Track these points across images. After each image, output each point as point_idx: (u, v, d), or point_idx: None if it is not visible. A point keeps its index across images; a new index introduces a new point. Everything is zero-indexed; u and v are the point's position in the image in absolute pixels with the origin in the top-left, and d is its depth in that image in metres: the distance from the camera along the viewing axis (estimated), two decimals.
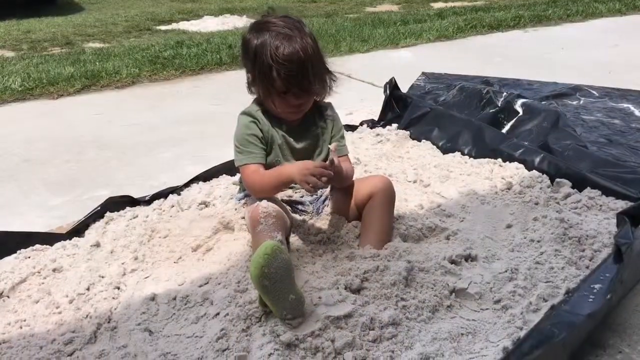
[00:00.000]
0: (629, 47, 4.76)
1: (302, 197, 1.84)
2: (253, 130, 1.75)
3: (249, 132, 1.75)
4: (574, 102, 3.23)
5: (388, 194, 1.77)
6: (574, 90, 3.36)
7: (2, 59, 4.84)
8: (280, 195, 1.81)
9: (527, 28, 5.87)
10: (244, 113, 1.79)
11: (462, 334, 1.37)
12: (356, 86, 3.85)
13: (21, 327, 1.45)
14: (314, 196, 1.85)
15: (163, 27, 6.91)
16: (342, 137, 1.89)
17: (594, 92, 3.33)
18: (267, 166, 1.75)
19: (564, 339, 1.26)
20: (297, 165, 1.63)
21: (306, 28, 1.71)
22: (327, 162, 1.61)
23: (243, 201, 1.87)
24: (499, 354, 1.27)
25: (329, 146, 1.71)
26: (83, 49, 5.36)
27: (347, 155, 1.88)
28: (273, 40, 1.64)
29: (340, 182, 1.75)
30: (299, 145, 1.80)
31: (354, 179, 1.85)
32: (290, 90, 1.66)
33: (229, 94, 3.71)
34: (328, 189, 1.86)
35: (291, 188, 1.83)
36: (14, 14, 7.57)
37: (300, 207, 1.83)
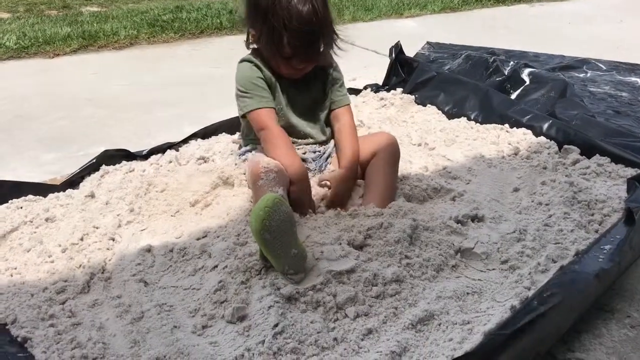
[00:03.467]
0: (636, 24, 4.68)
1: (304, 154, 1.78)
2: (258, 73, 1.69)
3: (255, 75, 1.69)
4: (581, 75, 3.15)
5: (392, 152, 1.71)
6: (581, 63, 3.28)
7: None
8: None
9: (534, 2, 5.77)
10: (245, 60, 1.73)
11: (467, 293, 1.33)
12: (359, 53, 3.76)
13: (12, 275, 1.40)
14: (317, 153, 1.79)
15: None
16: (342, 85, 1.83)
17: (601, 65, 3.25)
18: None
19: (572, 298, 1.23)
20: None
21: None
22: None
23: (244, 157, 1.81)
24: (507, 312, 1.22)
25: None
26: (80, 12, 5.24)
27: (348, 105, 1.82)
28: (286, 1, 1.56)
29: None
30: (299, 97, 1.75)
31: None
32: (296, 57, 1.61)
33: (229, 57, 3.60)
34: (331, 146, 1.81)
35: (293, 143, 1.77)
36: None
37: None
